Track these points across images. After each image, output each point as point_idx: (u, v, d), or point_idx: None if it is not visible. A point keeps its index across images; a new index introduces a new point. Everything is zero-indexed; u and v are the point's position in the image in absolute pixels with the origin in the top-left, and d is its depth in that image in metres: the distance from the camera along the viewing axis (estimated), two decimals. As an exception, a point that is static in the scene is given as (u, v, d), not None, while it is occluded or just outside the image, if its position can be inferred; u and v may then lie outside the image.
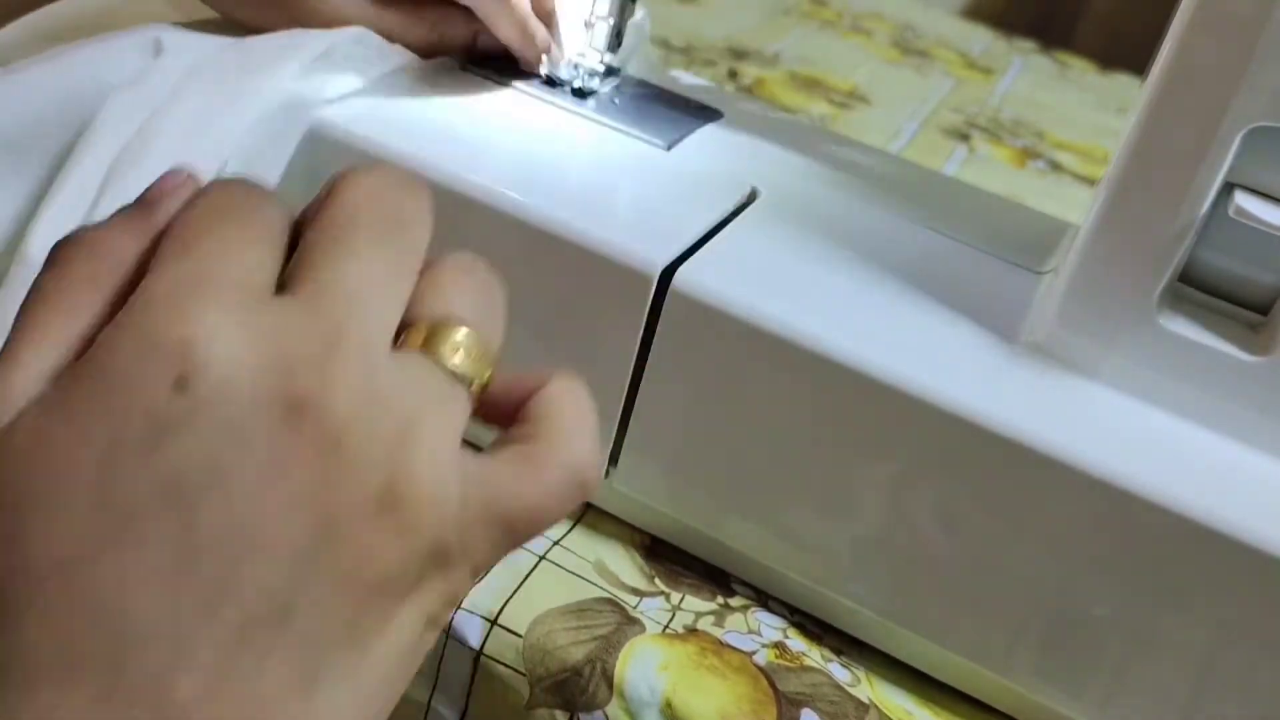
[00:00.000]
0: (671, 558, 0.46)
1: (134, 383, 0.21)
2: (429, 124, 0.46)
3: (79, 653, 0.20)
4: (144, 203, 0.24)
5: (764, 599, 0.45)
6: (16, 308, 0.24)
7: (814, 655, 0.43)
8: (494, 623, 0.41)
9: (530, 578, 0.43)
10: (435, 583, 0.23)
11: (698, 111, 0.53)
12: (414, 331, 0.25)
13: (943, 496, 0.39)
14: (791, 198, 0.47)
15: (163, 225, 0.24)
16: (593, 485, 0.26)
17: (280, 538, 0.21)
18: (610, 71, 0.53)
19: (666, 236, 0.42)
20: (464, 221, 0.42)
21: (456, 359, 0.25)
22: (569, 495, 0.25)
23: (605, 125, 0.49)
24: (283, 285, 0.23)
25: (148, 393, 0.21)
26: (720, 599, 0.44)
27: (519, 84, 0.51)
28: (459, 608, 0.41)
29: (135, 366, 0.21)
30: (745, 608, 0.44)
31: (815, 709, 0.40)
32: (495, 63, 0.52)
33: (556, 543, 0.45)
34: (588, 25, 0.51)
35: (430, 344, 0.25)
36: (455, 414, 0.24)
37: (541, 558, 0.44)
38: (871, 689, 0.42)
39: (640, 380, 0.41)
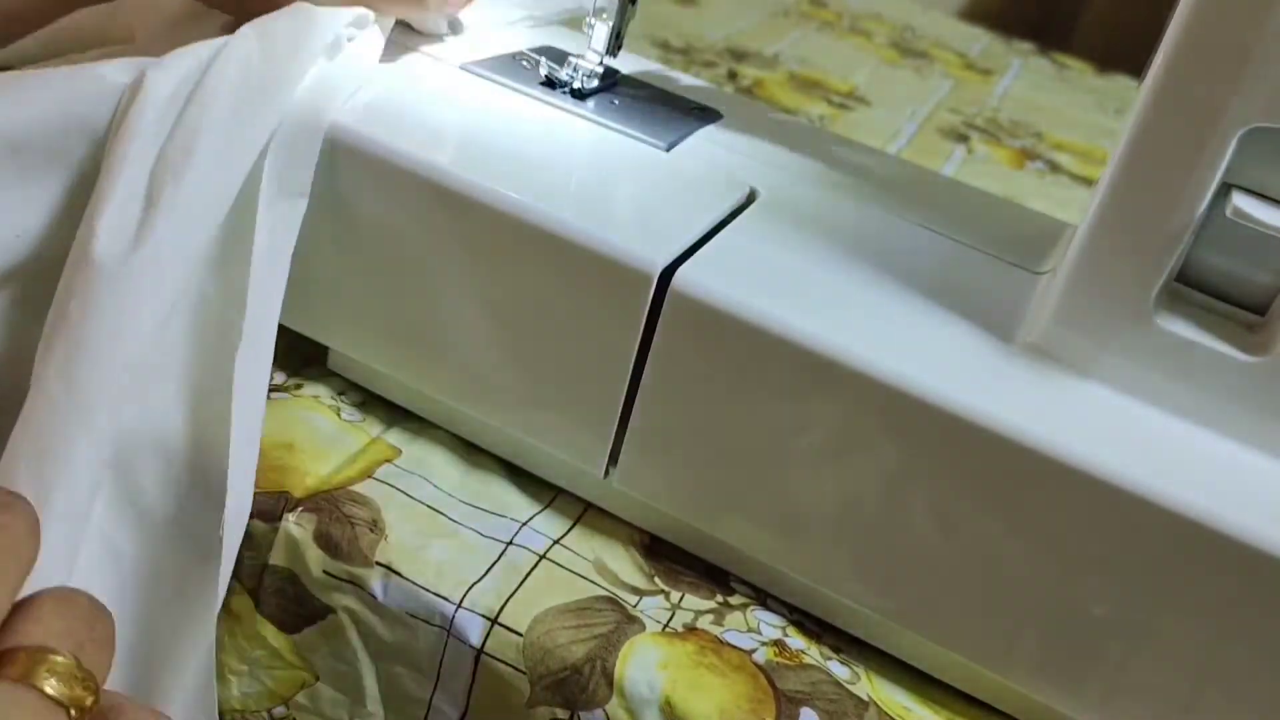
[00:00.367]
0: (671, 556, 0.46)
1: None
2: (429, 125, 0.46)
3: None
4: None
5: (763, 597, 0.45)
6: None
7: (813, 653, 0.43)
8: (494, 621, 0.41)
9: (530, 576, 0.43)
10: None
11: (697, 112, 0.53)
12: (13, 663, 0.26)
13: (940, 496, 0.39)
14: (790, 198, 0.47)
15: None
16: None
17: None
18: (609, 73, 0.53)
19: (666, 237, 0.42)
20: (464, 222, 0.42)
21: (53, 686, 0.26)
22: None
23: (605, 126, 0.50)
24: None
25: None
26: (719, 597, 0.44)
27: (519, 85, 0.51)
28: (460, 606, 0.41)
29: None
30: (744, 606, 0.44)
31: (814, 707, 0.40)
32: (495, 64, 0.52)
33: (557, 542, 0.45)
34: (587, 26, 0.51)
35: (29, 673, 0.26)
36: None
37: (542, 557, 0.44)
38: (871, 687, 0.42)
39: (640, 380, 0.42)
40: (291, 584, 0.43)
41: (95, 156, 0.41)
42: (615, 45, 0.51)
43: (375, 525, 0.43)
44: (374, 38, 0.48)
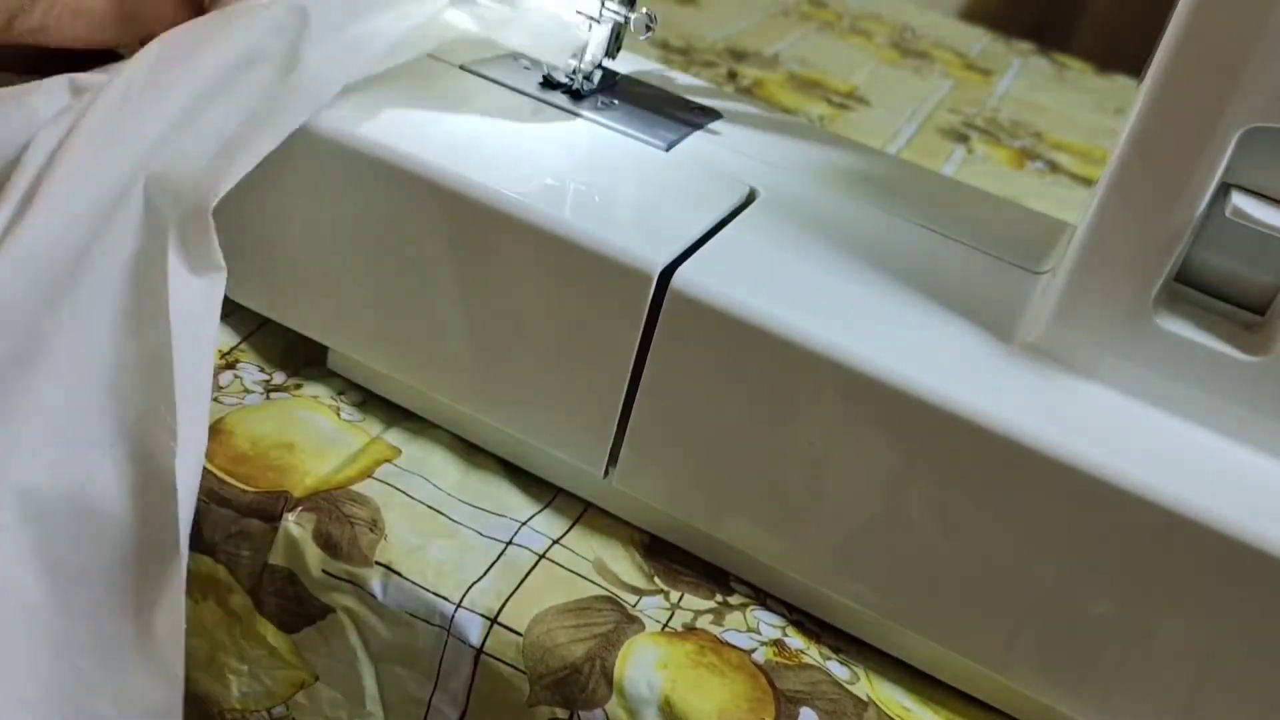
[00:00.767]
0: (670, 556, 0.46)
1: None
2: (429, 125, 0.46)
3: None
4: None
5: (763, 597, 0.45)
6: None
7: (812, 653, 0.43)
8: (494, 621, 0.41)
9: (530, 576, 0.43)
10: None
11: (697, 112, 0.53)
12: None
13: (940, 496, 0.39)
14: (790, 198, 0.47)
15: None
16: None
17: None
18: (608, 74, 0.53)
19: (666, 237, 0.42)
20: (464, 222, 0.42)
21: None
22: None
23: (604, 126, 0.50)
24: None
25: None
26: (719, 597, 0.44)
27: (518, 85, 0.51)
28: (460, 606, 0.41)
29: None
30: (744, 606, 0.44)
31: (814, 707, 0.40)
32: (495, 64, 0.52)
33: (556, 542, 0.45)
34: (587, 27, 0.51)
35: None
36: None
37: (541, 556, 0.44)
38: (870, 686, 0.42)
39: (639, 380, 0.42)
40: (291, 584, 0.43)
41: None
42: (615, 47, 0.51)
43: (375, 525, 0.43)
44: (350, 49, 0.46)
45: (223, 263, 0.42)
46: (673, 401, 0.41)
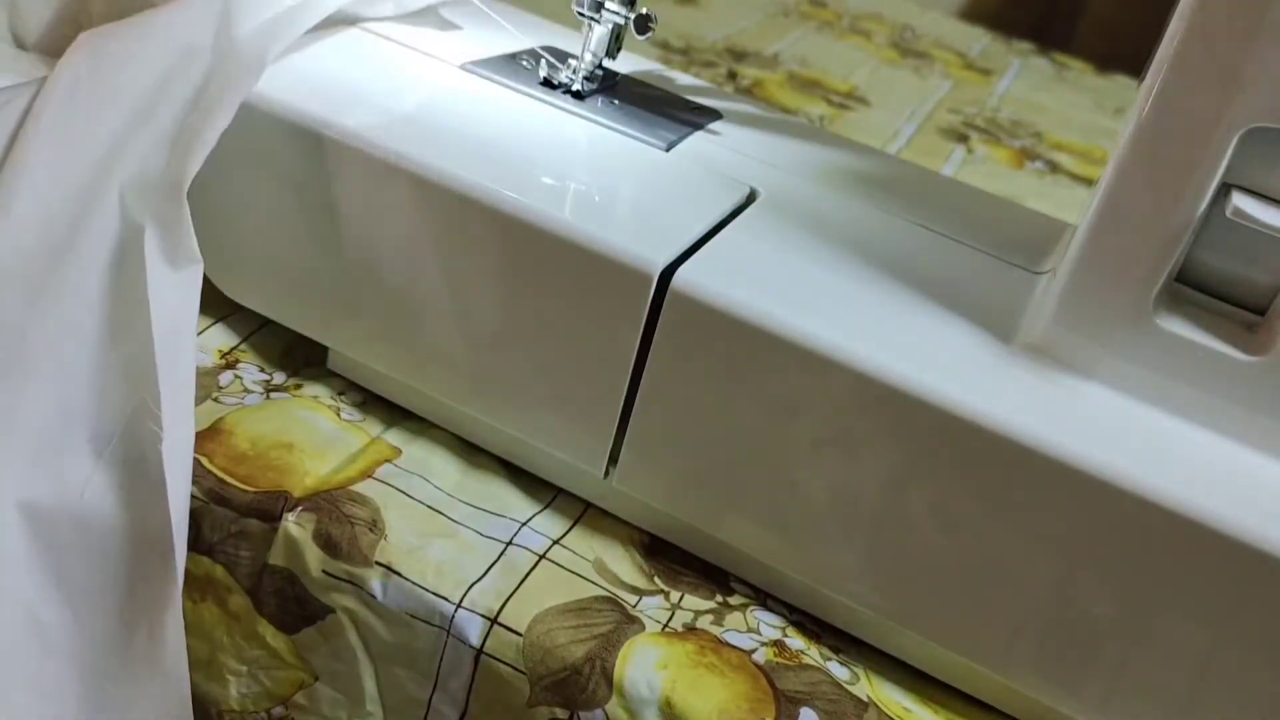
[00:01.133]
0: (671, 556, 0.46)
1: None
2: (429, 125, 0.46)
3: None
4: None
5: (763, 597, 0.45)
6: None
7: (813, 653, 0.43)
8: (494, 621, 0.41)
9: (530, 576, 0.43)
10: None
11: (697, 112, 0.53)
12: None
13: (940, 496, 0.39)
14: (790, 198, 0.47)
15: None
16: None
17: None
18: (608, 74, 0.53)
19: (666, 237, 0.42)
20: (464, 223, 0.42)
21: None
22: None
23: (604, 126, 0.50)
24: None
25: None
26: (719, 597, 0.44)
27: (519, 85, 0.51)
28: (460, 606, 0.41)
29: None
30: (744, 606, 0.44)
31: (814, 707, 0.40)
32: (495, 64, 0.52)
33: (556, 542, 0.45)
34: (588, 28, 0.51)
35: None
36: None
37: (541, 557, 0.44)
38: (870, 687, 0.42)
39: (640, 380, 0.42)
40: (291, 584, 0.43)
41: None
42: (615, 47, 0.51)
43: (375, 525, 0.43)
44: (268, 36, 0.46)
45: (199, 255, 0.42)
46: (673, 401, 0.41)
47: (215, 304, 0.50)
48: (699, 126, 0.52)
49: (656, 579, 0.45)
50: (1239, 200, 0.37)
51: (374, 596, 0.42)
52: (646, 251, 0.40)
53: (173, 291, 0.42)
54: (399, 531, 0.43)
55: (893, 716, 0.41)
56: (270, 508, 0.43)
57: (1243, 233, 0.38)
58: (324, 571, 0.42)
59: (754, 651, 0.42)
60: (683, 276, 0.40)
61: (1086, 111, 1.14)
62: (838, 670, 0.42)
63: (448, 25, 0.55)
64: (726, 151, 0.50)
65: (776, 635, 0.43)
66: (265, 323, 0.51)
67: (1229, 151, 0.36)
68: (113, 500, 0.41)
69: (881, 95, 1.02)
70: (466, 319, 0.44)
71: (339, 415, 0.48)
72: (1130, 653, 0.38)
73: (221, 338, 0.50)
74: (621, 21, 0.50)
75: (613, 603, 0.43)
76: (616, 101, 0.52)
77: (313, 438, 0.46)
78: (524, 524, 0.45)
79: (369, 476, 0.45)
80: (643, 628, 0.42)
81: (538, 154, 0.46)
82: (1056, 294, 0.40)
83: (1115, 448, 0.37)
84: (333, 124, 0.44)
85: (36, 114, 0.42)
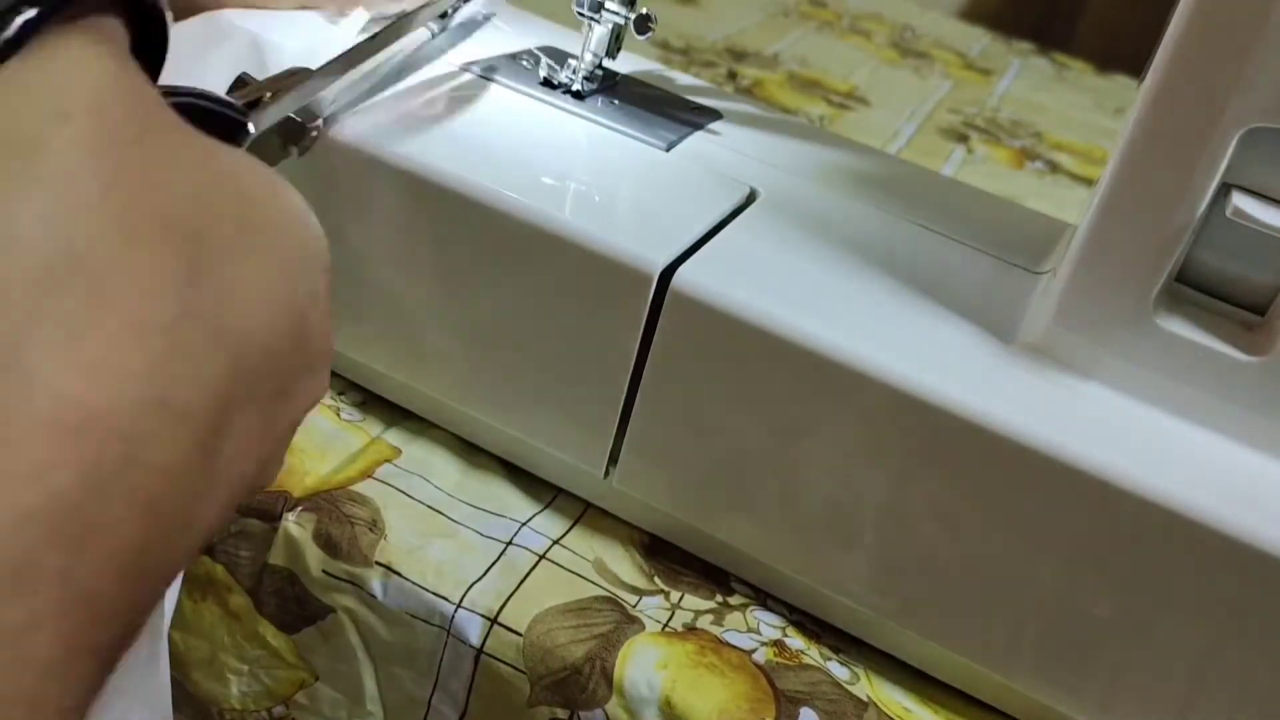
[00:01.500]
0: (671, 556, 0.46)
1: None
2: (429, 125, 0.46)
3: None
4: None
5: (763, 597, 0.45)
6: None
7: (813, 653, 0.43)
8: (494, 621, 0.41)
9: (530, 576, 0.43)
10: None
11: (697, 112, 0.53)
12: None
13: (940, 496, 0.39)
14: (790, 198, 0.47)
15: None
16: None
17: None
18: (608, 74, 0.53)
19: (666, 237, 0.42)
20: (464, 222, 0.42)
21: None
22: None
23: (605, 126, 0.50)
24: None
25: None
26: (719, 597, 0.44)
27: (519, 85, 0.51)
28: (460, 606, 0.41)
29: None
30: (744, 606, 0.44)
31: (814, 707, 0.40)
32: (495, 63, 0.52)
33: (556, 542, 0.45)
34: (587, 28, 0.51)
35: None
36: None
37: (541, 557, 0.44)
38: (870, 687, 0.42)
39: (640, 380, 0.42)
40: (291, 584, 0.43)
41: None
42: (615, 47, 0.51)
43: (375, 525, 0.43)
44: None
45: None
46: (673, 402, 0.41)
47: (215, 304, 0.50)
48: (699, 126, 0.52)
49: (656, 579, 0.45)
50: (1239, 200, 0.37)
51: (374, 596, 0.42)
52: (646, 251, 0.40)
53: None
54: (399, 531, 0.43)
55: (893, 716, 0.41)
56: (270, 508, 0.43)
57: (1243, 233, 0.38)
58: (324, 571, 0.42)
59: (754, 651, 0.42)
60: (683, 276, 0.40)
61: (1086, 111, 1.14)
62: (838, 670, 0.42)
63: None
64: (726, 151, 0.50)
65: (776, 635, 0.43)
66: (265, 323, 0.51)
67: (1229, 151, 0.36)
68: None
69: (881, 95, 1.02)
70: (466, 319, 0.44)
71: (339, 415, 0.48)
72: (1130, 653, 0.38)
73: (221, 338, 0.50)
74: (621, 21, 0.50)
75: (613, 603, 0.43)
76: (616, 101, 0.52)
77: (313, 438, 0.46)
78: (524, 524, 0.45)
79: (369, 476, 0.45)
80: (643, 628, 0.42)
81: (538, 154, 0.46)
82: (1056, 294, 0.40)
83: (1115, 448, 0.37)
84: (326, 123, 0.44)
85: None
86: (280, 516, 0.43)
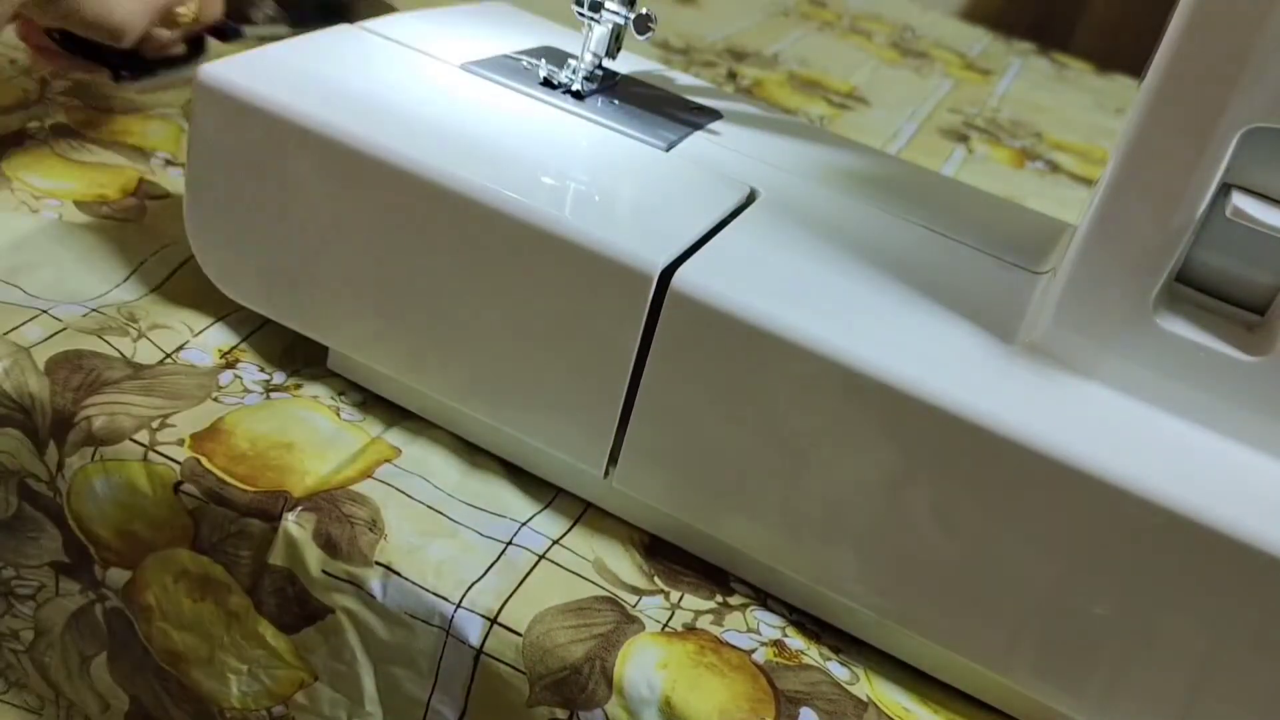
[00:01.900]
0: (671, 556, 0.46)
1: None
2: (430, 125, 0.46)
3: None
4: None
5: (763, 597, 0.45)
6: None
7: (812, 653, 0.43)
8: (494, 621, 0.41)
9: (530, 576, 0.43)
10: None
11: (697, 112, 0.53)
12: None
13: (940, 496, 0.39)
14: (790, 198, 0.47)
15: None
16: None
17: None
18: (608, 74, 0.53)
19: (666, 237, 0.42)
20: (465, 222, 0.42)
21: None
22: None
23: (605, 126, 0.50)
24: None
25: None
26: (719, 597, 0.44)
27: (519, 85, 0.51)
28: (460, 606, 0.41)
29: None
30: (744, 606, 0.44)
31: (814, 707, 0.40)
32: (496, 64, 0.52)
33: (556, 542, 0.45)
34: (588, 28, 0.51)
35: None
36: None
37: (541, 557, 0.44)
38: (870, 687, 0.42)
39: (640, 380, 0.42)
40: (291, 584, 0.43)
41: None
42: (615, 47, 0.51)
43: (375, 525, 0.43)
44: None
45: None
46: (673, 402, 0.41)
47: (215, 304, 0.50)
48: (699, 126, 0.52)
49: (656, 579, 0.45)
50: (1239, 200, 0.37)
51: (374, 596, 0.42)
52: (646, 251, 0.40)
53: None
54: (399, 531, 0.43)
55: (893, 716, 0.41)
56: (270, 508, 0.43)
57: (1243, 233, 0.38)
58: (324, 571, 0.42)
59: (754, 651, 0.42)
60: (683, 276, 0.40)
61: (1086, 111, 1.15)
62: (838, 670, 0.42)
63: None
64: (726, 151, 0.50)
65: (776, 635, 0.43)
66: (265, 323, 0.51)
67: (1229, 151, 0.36)
68: None
69: (881, 95, 1.02)
70: (466, 318, 0.44)
71: (339, 415, 0.48)
72: (1130, 653, 0.38)
73: (221, 337, 0.50)
74: (621, 21, 0.50)
75: (613, 603, 0.43)
76: (616, 101, 0.52)
77: (313, 438, 0.46)
78: (524, 524, 0.45)
79: (369, 476, 0.45)
80: (643, 627, 0.42)
81: (538, 154, 0.46)
82: (1056, 294, 0.40)
83: (1115, 448, 0.37)
84: (331, 124, 0.44)
85: None
86: (280, 516, 0.43)
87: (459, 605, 0.41)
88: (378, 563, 0.42)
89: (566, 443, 0.44)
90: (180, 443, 0.44)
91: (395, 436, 0.48)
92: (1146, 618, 0.37)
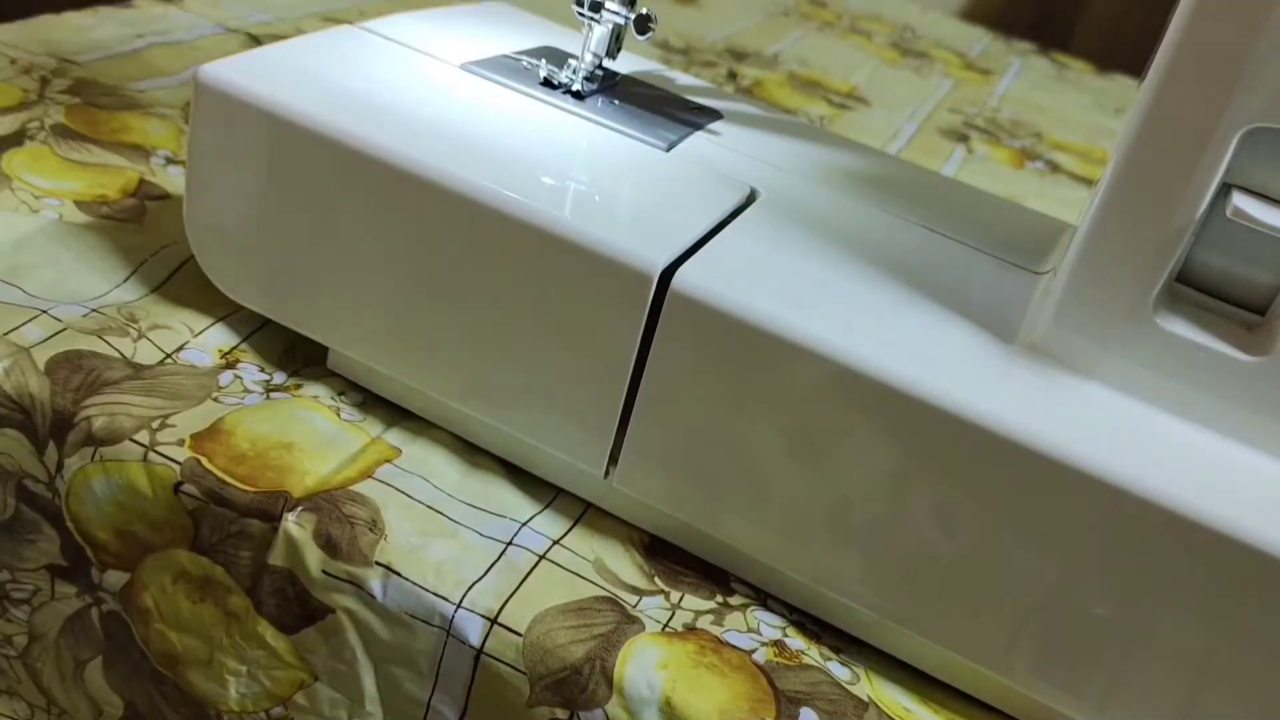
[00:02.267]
0: (671, 556, 0.46)
1: None
2: (430, 125, 0.46)
3: None
4: None
5: (763, 597, 0.45)
6: None
7: (813, 653, 0.43)
8: (494, 621, 0.41)
9: (530, 577, 0.43)
10: None
11: (697, 112, 0.53)
12: None
13: (940, 496, 0.39)
14: (790, 198, 0.47)
15: None
16: None
17: None
18: (608, 74, 0.53)
19: (666, 237, 0.42)
20: (464, 222, 0.42)
21: None
22: None
23: (605, 126, 0.50)
24: None
25: None
26: (719, 597, 0.44)
27: (519, 85, 0.51)
28: (460, 606, 0.41)
29: None
30: (744, 606, 0.44)
31: (814, 707, 0.40)
32: (496, 64, 0.52)
33: (557, 542, 0.45)
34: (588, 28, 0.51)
35: None
36: None
37: (541, 557, 0.44)
38: (870, 687, 0.42)
39: (640, 380, 0.42)
40: (291, 584, 0.43)
41: None
42: (615, 47, 0.51)
43: (375, 525, 0.43)
44: None
45: None
46: (673, 402, 0.41)
47: (215, 304, 0.50)
48: (699, 126, 0.52)
49: (656, 579, 0.45)
50: (1239, 200, 0.37)
51: (374, 596, 0.42)
52: (647, 251, 0.40)
53: None
54: (399, 531, 0.43)
55: (893, 716, 0.41)
56: (270, 508, 0.43)
57: (1243, 233, 0.38)
58: (324, 571, 0.42)
59: (754, 651, 0.42)
60: (683, 277, 0.40)
61: (1086, 111, 1.15)
62: (838, 670, 0.42)
63: None
64: (726, 151, 0.50)
65: (776, 635, 0.43)
66: (265, 323, 0.51)
67: (1229, 151, 0.36)
68: None
69: (881, 95, 1.02)
70: (466, 319, 0.44)
71: (339, 415, 0.48)
72: (1130, 653, 0.38)
73: (221, 338, 0.50)
74: (621, 21, 0.50)
75: (613, 603, 0.43)
76: (616, 101, 0.52)
77: (313, 438, 0.46)
78: (524, 524, 0.45)
79: (369, 476, 0.45)
80: (643, 628, 0.42)
81: (538, 154, 0.46)
82: (1057, 294, 0.40)
83: (1115, 448, 0.37)
84: (331, 124, 0.44)
85: None
86: (280, 517, 0.43)
87: (459, 605, 0.41)
88: (378, 563, 0.42)
89: (566, 443, 0.44)
90: (180, 443, 0.44)
91: (395, 436, 0.48)
92: (1146, 618, 0.37)
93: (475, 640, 0.41)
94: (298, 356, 0.51)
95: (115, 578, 0.45)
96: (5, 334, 0.46)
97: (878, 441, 0.39)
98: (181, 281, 0.52)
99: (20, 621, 0.48)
